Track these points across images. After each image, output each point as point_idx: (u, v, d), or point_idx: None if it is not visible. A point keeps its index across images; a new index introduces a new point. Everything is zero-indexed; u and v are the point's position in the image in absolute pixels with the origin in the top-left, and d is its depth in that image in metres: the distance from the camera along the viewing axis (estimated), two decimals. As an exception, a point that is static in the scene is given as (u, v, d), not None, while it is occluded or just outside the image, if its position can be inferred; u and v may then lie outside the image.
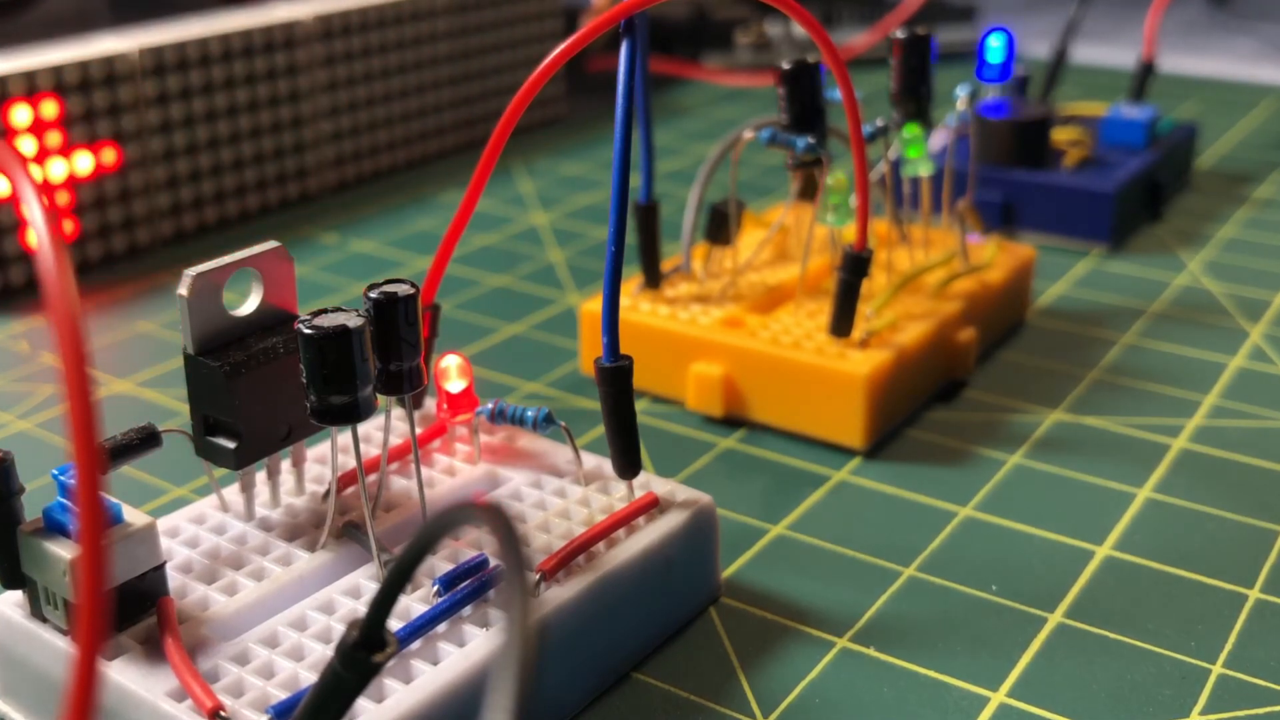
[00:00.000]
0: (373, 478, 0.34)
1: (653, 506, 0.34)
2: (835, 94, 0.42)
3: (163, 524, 0.33)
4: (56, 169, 0.56)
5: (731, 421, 0.46)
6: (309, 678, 0.28)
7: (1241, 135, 0.79)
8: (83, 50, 0.57)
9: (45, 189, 0.53)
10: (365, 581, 0.31)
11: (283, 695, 0.27)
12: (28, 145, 0.55)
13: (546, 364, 0.50)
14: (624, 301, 0.47)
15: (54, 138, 0.56)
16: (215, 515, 0.34)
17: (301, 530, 0.33)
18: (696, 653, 0.34)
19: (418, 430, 0.36)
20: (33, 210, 0.21)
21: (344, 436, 0.34)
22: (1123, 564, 0.38)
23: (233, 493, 0.34)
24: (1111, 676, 0.33)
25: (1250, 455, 0.43)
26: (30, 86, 0.54)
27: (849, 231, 0.45)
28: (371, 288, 0.29)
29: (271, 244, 0.32)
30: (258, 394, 0.31)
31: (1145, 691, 0.32)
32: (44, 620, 0.30)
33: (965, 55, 0.94)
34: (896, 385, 0.44)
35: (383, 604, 0.23)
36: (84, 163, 0.57)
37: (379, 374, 0.30)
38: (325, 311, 0.29)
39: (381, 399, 0.30)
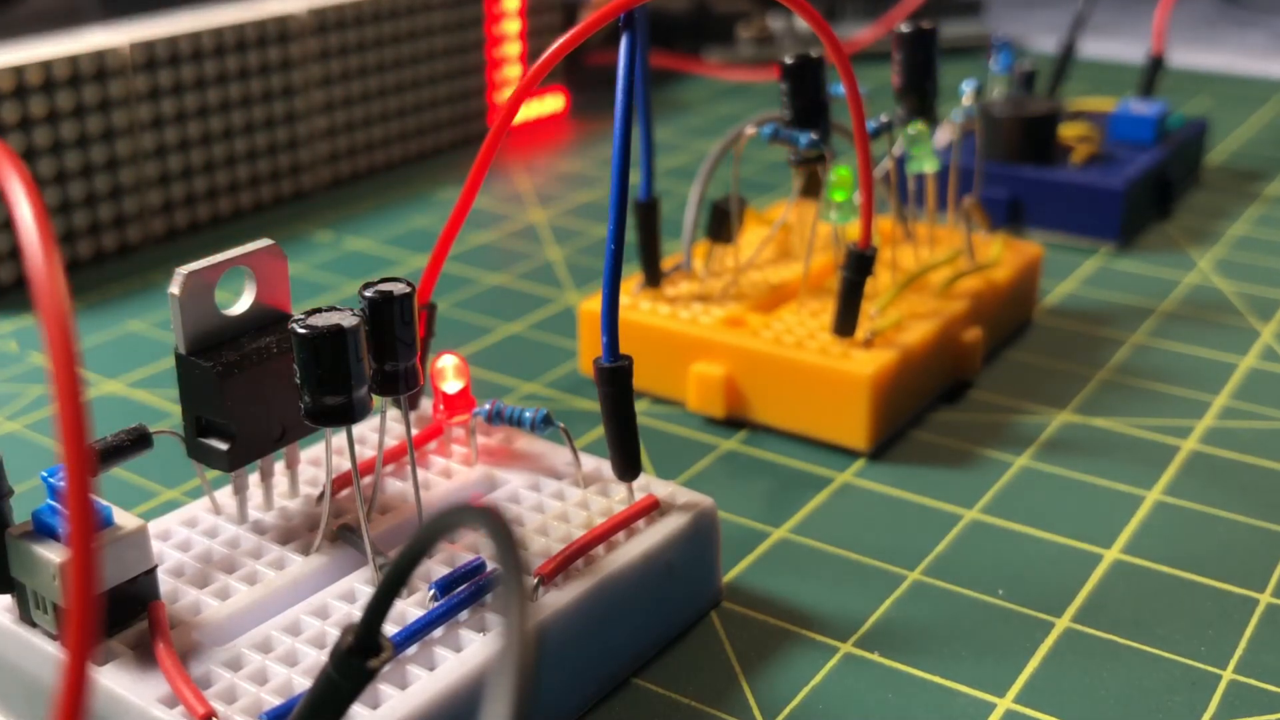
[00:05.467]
0: (368, 480, 0.34)
1: (653, 509, 0.34)
2: (839, 89, 0.41)
3: (154, 527, 0.33)
4: (45, 165, 0.56)
5: (733, 423, 0.45)
6: (303, 683, 0.28)
7: (1252, 131, 0.79)
8: (73, 45, 0.57)
9: (33, 185, 0.53)
10: (360, 586, 0.31)
11: (276, 701, 0.27)
12: (16, 141, 0.54)
13: (545, 364, 0.50)
14: (624, 300, 0.47)
15: (43, 133, 0.55)
16: (207, 518, 0.33)
17: (295, 533, 0.33)
18: (697, 658, 0.34)
19: (414, 431, 0.36)
20: (21, 208, 0.20)
21: (338, 438, 0.34)
22: (1131, 568, 0.37)
23: (225, 495, 0.34)
24: (1120, 682, 0.33)
25: (1261, 457, 0.43)
26: (19, 81, 0.54)
27: (852, 229, 0.45)
28: (367, 286, 0.29)
29: (265, 242, 0.32)
30: (250, 394, 0.31)
31: (1154, 698, 0.32)
32: (33, 625, 0.29)
33: (971, 50, 0.94)
34: (901, 386, 0.43)
35: (378, 608, 0.22)
36: (75, 158, 0.57)
37: (374, 374, 0.29)
38: (319, 311, 0.28)
39: (377, 400, 0.30)
